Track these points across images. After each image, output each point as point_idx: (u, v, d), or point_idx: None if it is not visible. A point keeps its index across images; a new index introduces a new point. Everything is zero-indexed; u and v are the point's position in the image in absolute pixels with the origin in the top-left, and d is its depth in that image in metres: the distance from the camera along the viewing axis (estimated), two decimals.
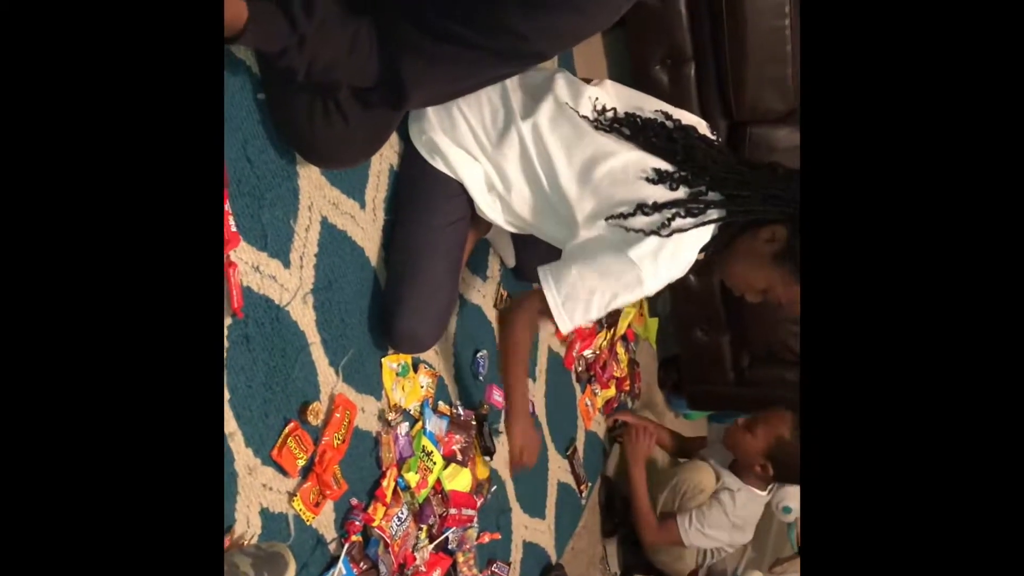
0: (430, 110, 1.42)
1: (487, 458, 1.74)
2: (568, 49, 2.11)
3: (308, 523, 1.25)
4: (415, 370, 1.54)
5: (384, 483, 1.41)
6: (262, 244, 1.19)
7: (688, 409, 3.25)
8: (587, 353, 2.38)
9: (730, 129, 2.45)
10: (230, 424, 1.12)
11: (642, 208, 1.32)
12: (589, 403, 2.42)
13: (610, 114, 1.43)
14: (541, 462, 2.09)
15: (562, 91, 1.44)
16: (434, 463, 1.53)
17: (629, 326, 2.66)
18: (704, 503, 2.34)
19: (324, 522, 1.30)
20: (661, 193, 1.34)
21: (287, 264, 1.24)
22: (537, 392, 2.09)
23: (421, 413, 1.54)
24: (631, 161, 1.38)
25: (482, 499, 1.70)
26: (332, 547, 1.31)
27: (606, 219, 1.35)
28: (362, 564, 1.34)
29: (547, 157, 1.39)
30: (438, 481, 1.55)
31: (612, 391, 2.56)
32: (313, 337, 1.29)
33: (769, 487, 2.39)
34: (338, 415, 1.31)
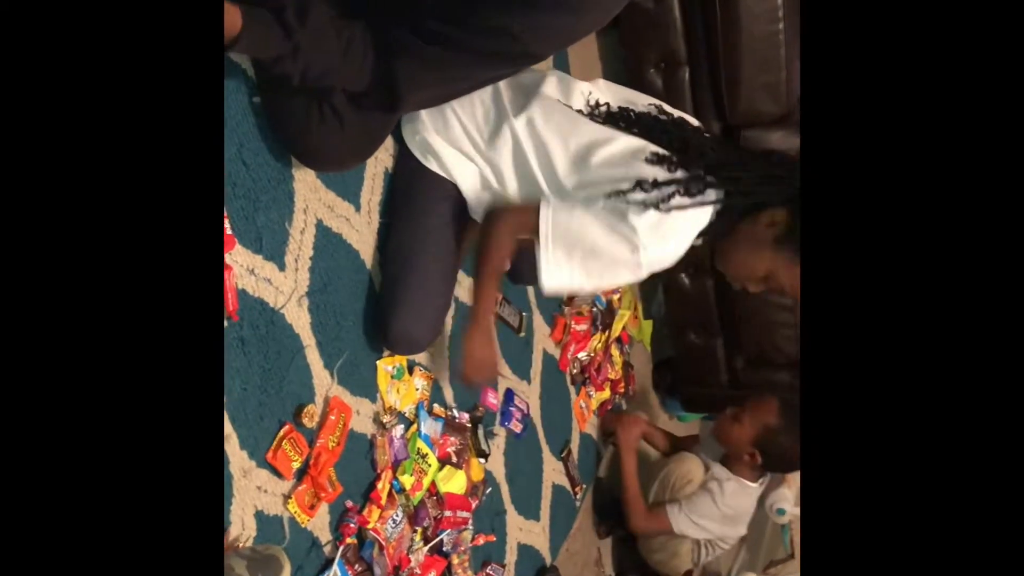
0: (423, 111, 1.43)
1: (482, 460, 1.75)
2: (562, 50, 2.12)
3: (303, 525, 1.26)
4: (410, 372, 1.55)
5: (379, 485, 1.41)
6: (257, 247, 1.19)
7: (682, 411, 3.26)
8: (582, 355, 2.38)
9: (724, 132, 2.46)
10: (225, 427, 1.12)
11: (641, 185, 1.31)
12: (584, 405, 2.42)
13: (603, 108, 1.43)
14: (535, 464, 2.09)
15: (554, 87, 1.44)
16: (429, 465, 1.53)
17: (624, 328, 2.66)
18: (694, 493, 2.36)
19: (319, 524, 1.30)
20: (661, 174, 1.33)
21: (282, 267, 1.24)
22: (532, 394, 2.09)
23: (416, 415, 1.54)
24: (629, 146, 1.37)
25: (477, 501, 1.70)
26: (327, 549, 1.32)
27: (605, 195, 1.32)
28: (357, 566, 1.34)
29: (543, 150, 1.39)
30: (433, 483, 1.55)
31: (607, 393, 2.57)
32: (308, 340, 1.29)
33: (760, 479, 2.41)
34: (333, 418, 1.31)
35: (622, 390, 2.71)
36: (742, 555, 3.22)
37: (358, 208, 1.43)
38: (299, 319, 1.28)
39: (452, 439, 1.62)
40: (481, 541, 1.71)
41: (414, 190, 1.48)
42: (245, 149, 1.18)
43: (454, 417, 1.66)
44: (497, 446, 1.87)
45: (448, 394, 1.69)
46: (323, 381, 1.33)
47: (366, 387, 1.44)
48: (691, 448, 2.52)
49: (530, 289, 2.09)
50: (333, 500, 1.31)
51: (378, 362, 1.47)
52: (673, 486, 2.39)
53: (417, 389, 1.55)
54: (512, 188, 1.44)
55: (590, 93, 1.45)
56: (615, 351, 2.63)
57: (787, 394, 2.32)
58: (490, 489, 1.79)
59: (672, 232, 1.32)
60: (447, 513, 1.57)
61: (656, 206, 1.29)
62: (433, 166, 1.46)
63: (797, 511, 2.93)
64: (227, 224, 1.12)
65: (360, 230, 1.43)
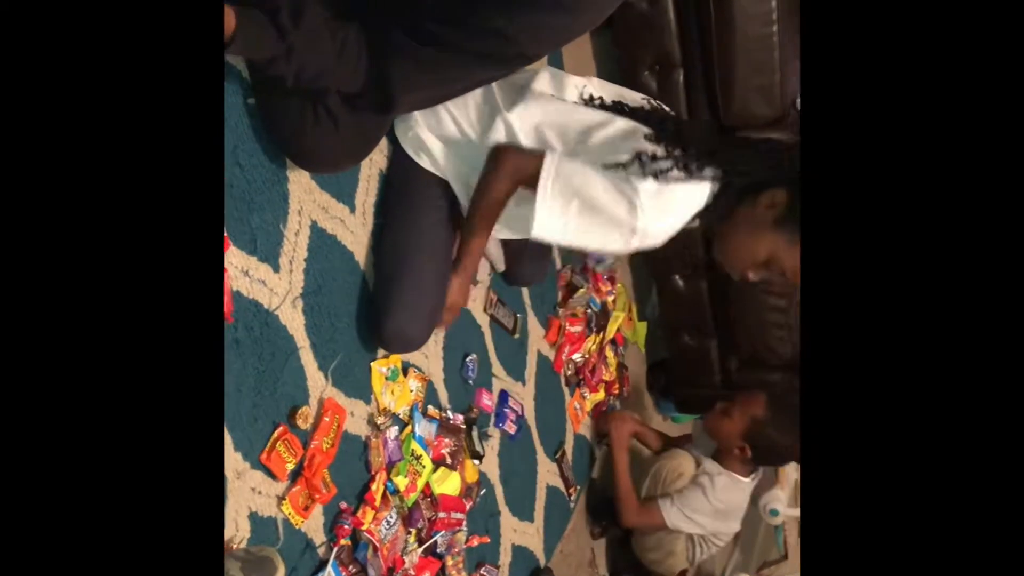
0: None
1: (476, 462, 1.75)
2: (555, 50, 2.12)
3: (297, 527, 1.25)
4: (404, 374, 1.55)
5: (373, 487, 1.41)
6: (252, 248, 1.19)
7: (676, 412, 3.27)
8: (576, 357, 2.39)
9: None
10: None
11: (640, 156, 1.31)
12: (578, 407, 2.43)
13: (598, 102, 1.43)
14: (530, 465, 2.10)
15: (547, 83, 1.44)
16: (423, 467, 1.53)
17: (618, 330, 2.67)
18: (685, 487, 2.37)
19: (313, 526, 1.30)
20: (659, 150, 1.32)
21: (276, 268, 1.24)
22: (526, 395, 2.09)
23: (410, 417, 1.54)
24: (627, 127, 1.37)
25: (471, 503, 1.70)
26: (321, 551, 1.31)
27: (603, 166, 1.32)
28: (351, 568, 1.34)
29: (539, 136, 1.39)
30: (427, 485, 1.55)
31: (601, 395, 2.57)
32: (302, 341, 1.29)
33: (752, 475, 2.42)
34: (327, 419, 1.31)
35: (616, 392, 2.72)
36: (735, 556, 3.23)
37: (353, 210, 1.43)
38: (293, 321, 1.28)
39: (446, 440, 1.62)
40: (475, 542, 1.71)
41: (408, 190, 1.48)
42: (240, 150, 1.18)
43: (448, 418, 1.66)
44: (491, 447, 1.87)
45: (443, 396, 1.69)
46: (317, 383, 1.33)
47: (360, 389, 1.44)
48: (683, 446, 2.54)
49: (525, 291, 2.09)
50: (327, 502, 1.31)
51: (372, 364, 1.47)
52: (664, 480, 2.41)
53: (411, 391, 1.56)
54: None
55: (584, 87, 1.45)
56: (609, 353, 2.63)
57: (777, 390, 2.35)
58: (484, 490, 1.79)
59: (669, 205, 1.31)
60: (441, 514, 1.57)
61: (655, 176, 1.29)
62: (426, 163, 1.46)
63: (790, 512, 2.94)
64: None
65: (355, 232, 1.43)
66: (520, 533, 2.01)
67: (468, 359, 1.79)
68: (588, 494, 2.53)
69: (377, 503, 1.41)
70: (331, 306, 1.37)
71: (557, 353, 2.30)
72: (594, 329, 2.46)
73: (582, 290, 2.35)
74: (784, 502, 2.86)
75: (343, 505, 1.36)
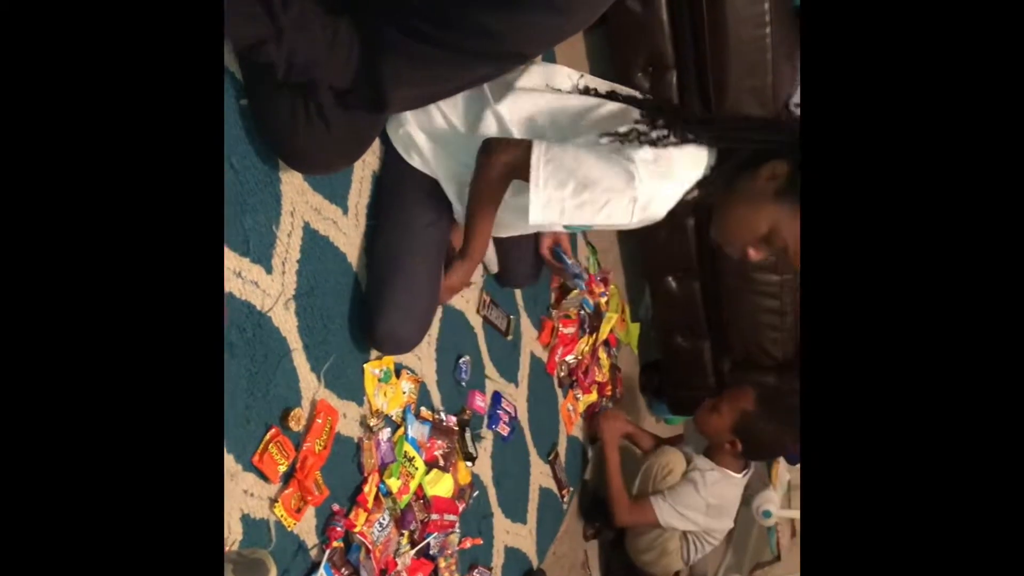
0: None
1: (469, 463, 1.75)
2: (548, 49, 2.12)
3: (289, 529, 1.25)
4: (397, 376, 1.54)
5: (366, 489, 1.41)
6: (244, 250, 1.19)
7: (669, 414, 3.27)
8: (569, 358, 2.39)
9: None
10: None
11: (637, 126, 1.30)
12: (571, 408, 2.43)
13: (592, 91, 1.43)
14: (523, 467, 2.10)
15: (537, 76, 1.44)
16: (416, 469, 1.53)
17: (611, 331, 2.67)
18: (677, 483, 2.37)
19: (305, 528, 1.30)
20: (659, 121, 1.32)
21: (269, 270, 1.24)
22: (519, 397, 2.09)
23: (403, 419, 1.54)
24: (620, 107, 1.37)
25: (464, 504, 1.70)
26: (313, 553, 1.31)
27: (599, 135, 1.31)
28: (343, 570, 1.34)
29: (532, 128, 1.39)
30: (420, 487, 1.55)
31: (594, 396, 2.57)
32: (295, 343, 1.29)
33: (744, 471, 2.43)
34: (320, 421, 1.31)
35: (609, 393, 2.72)
36: (728, 557, 3.24)
37: (345, 211, 1.43)
38: (286, 322, 1.27)
39: (439, 442, 1.62)
40: (468, 544, 1.71)
41: (400, 191, 1.48)
42: (232, 152, 1.17)
43: (441, 420, 1.66)
44: (484, 449, 1.87)
45: (435, 397, 1.69)
46: (310, 384, 1.32)
47: (353, 390, 1.43)
48: (674, 445, 2.55)
49: (518, 292, 2.09)
50: (320, 504, 1.31)
51: (365, 365, 1.47)
52: (655, 477, 2.42)
53: (404, 392, 1.55)
54: None
55: (580, 77, 1.45)
56: (602, 354, 2.63)
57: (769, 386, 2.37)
58: (477, 492, 1.79)
59: (668, 170, 1.29)
60: (434, 516, 1.57)
61: (653, 143, 1.28)
62: (416, 163, 1.46)
63: (783, 513, 2.95)
64: None
65: (347, 233, 1.43)
66: (513, 535, 2.00)
67: (461, 361, 1.79)
68: (581, 496, 2.53)
69: (370, 505, 1.41)
70: (324, 308, 1.36)
71: (550, 354, 2.30)
72: (587, 330, 2.46)
73: (575, 291, 2.35)
74: (777, 503, 2.86)
75: (335, 507, 1.36)
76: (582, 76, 1.46)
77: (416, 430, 1.56)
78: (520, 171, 1.30)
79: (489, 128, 1.40)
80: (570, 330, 2.35)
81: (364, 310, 1.45)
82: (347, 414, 1.41)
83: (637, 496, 2.43)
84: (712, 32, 2.27)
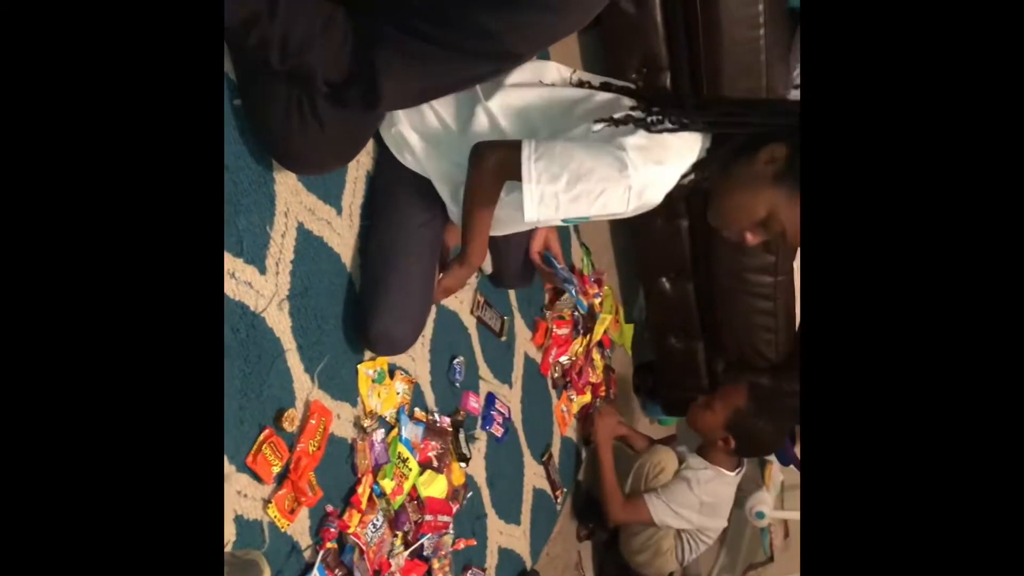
0: None
1: (463, 464, 1.75)
2: (543, 49, 2.12)
3: (283, 530, 1.25)
4: (391, 376, 1.54)
5: (359, 490, 1.40)
6: (238, 250, 1.19)
7: (663, 415, 3.27)
8: (563, 359, 2.39)
9: None
10: None
11: (631, 112, 1.30)
12: (565, 409, 2.43)
13: (586, 84, 1.43)
14: (516, 468, 2.10)
15: (527, 72, 1.43)
16: (410, 469, 1.53)
17: (605, 332, 2.67)
18: (671, 481, 2.38)
19: (299, 529, 1.30)
20: (654, 107, 1.31)
21: (263, 270, 1.24)
22: (513, 398, 2.09)
23: (397, 420, 1.54)
24: (611, 97, 1.37)
25: (458, 505, 1.70)
26: (307, 554, 1.31)
27: (594, 121, 1.30)
28: (337, 571, 1.33)
29: (524, 122, 1.38)
30: (414, 487, 1.55)
31: (588, 397, 2.57)
32: (289, 344, 1.29)
33: (737, 469, 2.43)
34: (313, 422, 1.30)
35: (603, 394, 2.72)
36: (722, 558, 3.24)
37: (340, 211, 1.43)
38: (280, 323, 1.27)
39: (433, 443, 1.62)
40: (462, 545, 1.71)
41: (394, 191, 1.48)
42: (226, 152, 1.17)
43: (435, 421, 1.66)
44: (478, 450, 1.87)
45: (429, 398, 1.68)
46: (304, 385, 1.32)
47: (347, 391, 1.43)
48: (667, 445, 2.55)
49: (512, 293, 2.09)
50: (313, 505, 1.31)
51: (359, 366, 1.46)
52: (647, 476, 2.42)
53: (398, 393, 1.55)
54: None
55: (573, 72, 1.45)
56: (596, 355, 2.63)
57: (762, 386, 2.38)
58: (471, 493, 1.79)
59: (661, 154, 1.28)
60: (428, 517, 1.56)
61: (647, 128, 1.27)
62: (409, 162, 1.45)
63: (776, 514, 2.95)
64: None
65: (341, 233, 1.43)
66: (507, 536, 2.00)
67: (455, 361, 1.78)
68: (575, 496, 2.53)
69: (363, 506, 1.40)
70: (317, 308, 1.36)
71: (544, 355, 2.30)
72: (581, 331, 2.46)
73: (567, 295, 2.35)
74: (770, 504, 2.87)
75: (329, 508, 1.35)
76: (574, 71, 1.46)
77: (410, 431, 1.56)
78: (512, 171, 1.29)
79: (481, 125, 1.39)
80: (564, 331, 2.36)
81: (358, 311, 1.45)
82: (341, 415, 1.40)
83: (630, 495, 2.43)
84: (706, 33, 2.27)
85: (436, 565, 1.59)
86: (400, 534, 1.51)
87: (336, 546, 1.35)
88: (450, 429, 1.70)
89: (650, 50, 2.38)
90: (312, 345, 1.34)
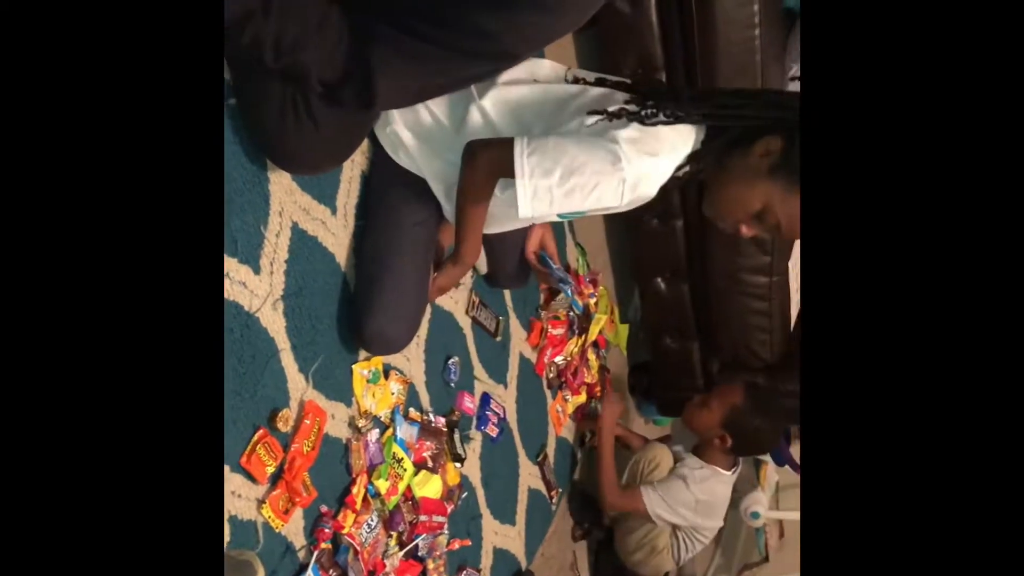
0: None
1: (458, 465, 1.74)
2: (539, 49, 2.11)
3: (277, 530, 1.25)
4: (386, 376, 1.54)
5: (354, 490, 1.40)
6: (232, 250, 1.18)
7: (658, 415, 3.28)
8: (558, 359, 2.39)
9: None
10: None
11: (625, 106, 1.29)
12: (560, 409, 2.43)
13: (581, 81, 1.42)
14: (512, 468, 2.09)
15: (521, 68, 1.43)
16: (404, 470, 1.53)
17: (600, 332, 2.67)
18: (666, 478, 2.38)
19: (293, 529, 1.29)
20: (648, 100, 1.31)
21: (257, 270, 1.24)
22: (508, 398, 2.09)
23: (392, 420, 1.54)
24: (604, 92, 1.36)
25: (452, 506, 1.70)
26: (301, 554, 1.31)
27: (588, 112, 1.30)
28: (332, 571, 1.33)
29: (517, 120, 1.38)
30: (408, 488, 1.54)
31: (583, 397, 2.57)
32: (283, 344, 1.28)
33: (733, 468, 2.44)
34: (308, 422, 1.30)
35: (598, 394, 2.72)
36: (717, 558, 3.25)
37: (334, 211, 1.42)
38: (274, 323, 1.27)
39: (428, 443, 1.62)
40: (456, 546, 1.71)
41: (388, 190, 1.48)
42: None
43: (430, 421, 1.66)
44: (473, 450, 1.86)
45: (424, 398, 1.68)
46: (298, 385, 1.32)
47: (341, 391, 1.43)
48: (663, 443, 2.56)
49: (507, 293, 2.09)
50: (307, 505, 1.30)
51: (353, 366, 1.46)
52: (641, 472, 2.43)
53: (393, 393, 1.55)
54: None
55: (568, 70, 1.45)
56: (591, 355, 2.63)
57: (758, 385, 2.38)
58: (466, 493, 1.79)
59: (654, 146, 1.27)
60: (422, 517, 1.56)
61: (641, 120, 1.27)
62: (404, 162, 1.45)
63: (771, 515, 2.96)
64: None
65: (336, 233, 1.43)
66: (502, 536, 2.00)
67: (450, 362, 1.78)
68: (570, 496, 2.53)
69: (358, 506, 1.40)
70: (312, 308, 1.36)
71: (539, 356, 2.30)
72: (576, 331, 2.46)
73: (562, 295, 2.35)
74: (765, 505, 2.88)
75: (324, 508, 1.35)
76: (569, 69, 1.46)
77: (405, 431, 1.55)
78: (505, 168, 1.29)
79: (475, 124, 1.39)
80: (559, 331, 2.36)
81: (353, 310, 1.44)
82: (335, 415, 1.40)
83: (626, 486, 2.44)
84: (701, 33, 2.27)
85: (431, 566, 1.59)
86: (395, 534, 1.51)
87: (331, 546, 1.35)
88: (445, 429, 1.70)
89: (645, 50, 2.38)
90: (306, 345, 1.34)
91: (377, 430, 1.49)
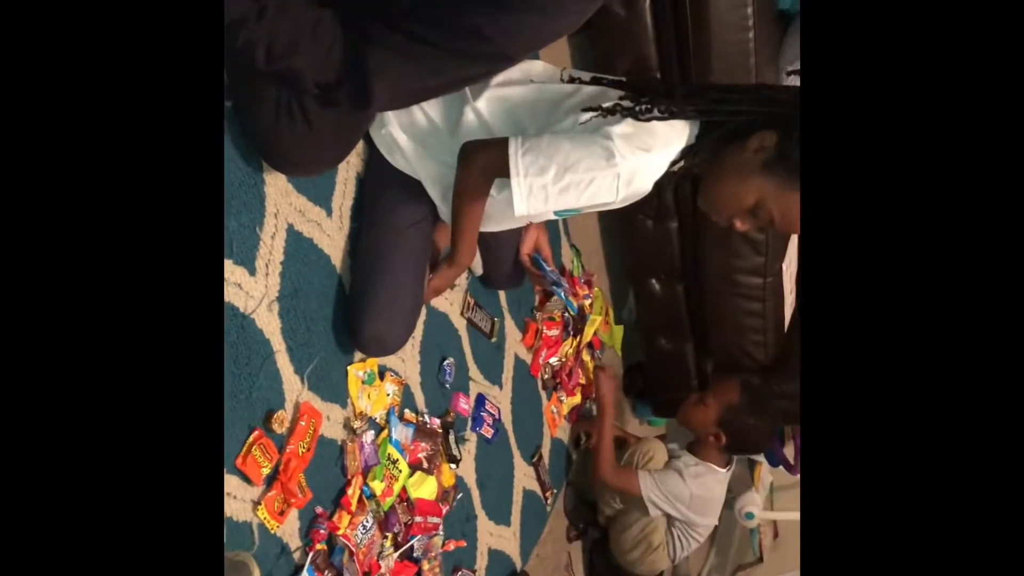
0: None
1: (453, 466, 1.75)
2: (534, 51, 2.12)
3: (272, 532, 1.25)
4: (381, 378, 1.54)
5: (349, 491, 1.40)
6: (228, 251, 1.18)
7: (652, 416, 3.28)
8: (553, 360, 2.39)
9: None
10: None
11: (621, 101, 1.30)
12: (555, 410, 2.43)
13: (577, 79, 1.43)
14: (507, 469, 2.10)
15: (515, 69, 1.43)
16: (400, 471, 1.53)
17: (595, 334, 2.67)
18: (661, 470, 2.39)
19: (289, 531, 1.29)
20: (643, 97, 1.31)
21: (252, 271, 1.24)
22: (503, 399, 2.09)
23: (387, 421, 1.54)
24: (598, 90, 1.37)
25: (448, 507, 1.70)
26: (297, 556, 1.31)
27: (582, 109, 1.30)
28: (327, 572, 1.33)
29: (512, 121, 1.38)
30: (403, 489, 1.55)
31: (578, 398, 2.58)
32: (278, 345, 1.29)
33: (728, 466, 2.44)
34: (303, 423, 1.30)
35: (593, 395, 2.72)
36: (711, 559, 3.25)
37: (329, 213, 1.43)
38: (269, 324, 1.27)
39: (423, 444, 1.62)
40: (452, 546, 1.71)
41: (384, 192, 1.48)
42: None
43: (425, 422, 1.66)
44: (468, 451, 1.87)
45: (419, 400, 1.68)
46: (293, 386, 1.32)
47: (337, 393, 1.43)
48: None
49: (502, 294, 2.10)
50: (303, 506, 1.30)
51: (349, 367, 1.46)
52: (636, 464, 2.43)
53: (388, 395, 1.55)
54: None
55: (563, 69, 1.45)
56: (586, 356, 2.64)
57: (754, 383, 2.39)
58: (461, 494, 1.79)
59: (647, 141, 1.28)
60: (418, 519, 1.56)
61: (635, 116, 1.27)
62: (399, 163, 1.45)
63: (766, 515, 2.96)
64: None
65: (331, 235, 1.43)
66: (497, 537, 2.00)
67: (445, 363, 1.78)
68: (565, 497, 2.53)
69: (353, 507, 1.40)
70: (307, 310, 1.36)
71: (534, 357, 2.30)
72: (571, 333, 2.47)
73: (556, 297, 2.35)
74: (759, 505, 2.88)
75: (319, 510, 1.35)
76: (564, 69, 1.47)
77: (400, 432, 1.56)
78: (500, 168, 1.29)
79: (469, 125, 1.39)
80: (554, 332, 2.36)
81: (348, 312, 1.45)
82: (331, 416, 1.40)
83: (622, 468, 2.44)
84: (695, 35, 2.28)
85: (426, 566, 1.59)
86: (390, 535, 1.51)
87: (326, 547, 1.35)
88: (440, 430, 1.70)
89: (640, 52, 2.38)
90: (302, 346, 1.34)
91: (372, 431, 1.49)
